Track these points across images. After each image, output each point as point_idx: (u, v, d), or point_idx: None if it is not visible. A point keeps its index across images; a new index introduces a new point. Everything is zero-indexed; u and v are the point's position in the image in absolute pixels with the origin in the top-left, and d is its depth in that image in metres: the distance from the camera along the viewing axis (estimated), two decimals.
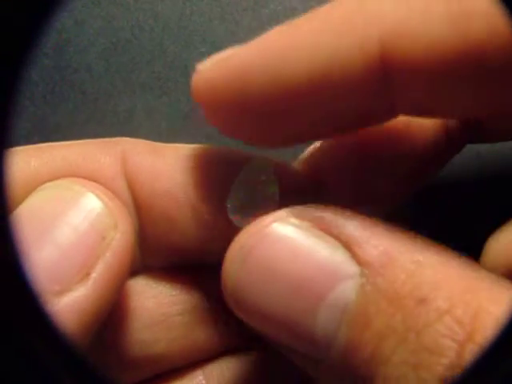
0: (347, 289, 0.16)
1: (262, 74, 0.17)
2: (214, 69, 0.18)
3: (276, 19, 0.30)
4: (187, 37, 0.30)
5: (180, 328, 0.21)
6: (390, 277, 0.16)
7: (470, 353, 0.14)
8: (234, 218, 0.19)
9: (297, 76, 0.17)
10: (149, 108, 0.29)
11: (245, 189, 0.19)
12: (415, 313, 0.15)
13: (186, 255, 0.21)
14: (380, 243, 0.16)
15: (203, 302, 0.21)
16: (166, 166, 0.20)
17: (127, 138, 0.21)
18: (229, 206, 0.19)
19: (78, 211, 0.18)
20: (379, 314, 0.15)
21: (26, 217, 0.18)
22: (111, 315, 0.20)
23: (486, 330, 0.14)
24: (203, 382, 0.21)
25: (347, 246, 0.16)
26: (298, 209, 0.17)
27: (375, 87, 0.17)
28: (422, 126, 0.21)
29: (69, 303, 0.17)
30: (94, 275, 0.18)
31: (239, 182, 0.19)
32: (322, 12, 0.17)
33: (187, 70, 0.29)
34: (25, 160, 0.20)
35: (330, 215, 0.17)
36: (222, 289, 0.18)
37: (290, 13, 0.30)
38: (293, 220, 0.17)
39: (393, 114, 0.18)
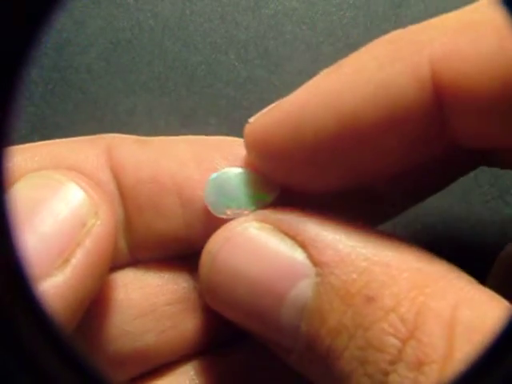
0: (305, 287, 0.17)
1: (316, 117, 0.18)
2: (267, 117, 0.19)
3: (276, 19, 0.30)
4: (187, 37, 0.30)
5: (168, 318, 0.21)
6: (342, 276, 0.17)
7: (412, 349, 0.15)
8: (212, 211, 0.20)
9: (351, 114, 0.17)
10: (149, 108, 0.29)
11: (219, 183, 0.20)
12: (364, 310, 0.16)
13: (173, 244, 0.21)
14: (334, 243, 0.17)
15: (191, 291, 0.21)
16: (151, 153, 0.20)
17: (112, 134, 0.21)
18: (206, 200, 0.20)
19: (58, 199, 0.19)
20: (333, 312, 0.16)
21: (11, 202, 0.18)
22: (98, 308, 0.20)
23: (428, 326, 0.15)
24: (194, 377, 0.21)
25: (304, 246, 0.17)
26: (260, 213, 0.19)
27: (429, 114, 0.17)
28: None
29: (48, 288, 0.17)
30: (73, 261, 0.18)
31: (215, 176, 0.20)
32: (368, 48, 0.18)
33: (187, 70, 0.29)
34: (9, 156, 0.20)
35: (289, 217, 0.18)
36: (199, 286, 0.19)
37: (290, 13, 0.30)
38: (255, 223, 0.18)
39: (445, 145, 0.18)
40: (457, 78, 0.16)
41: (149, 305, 0.21)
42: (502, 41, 0.16)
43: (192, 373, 0.21)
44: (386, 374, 0.15)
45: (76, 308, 0.18)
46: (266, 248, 0.18)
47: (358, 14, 0.30)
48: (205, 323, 0.21)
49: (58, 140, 0.21)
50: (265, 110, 0.19)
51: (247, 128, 0.19)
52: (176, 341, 0.21)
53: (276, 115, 0.18)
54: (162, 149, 0.21)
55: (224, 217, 0.20)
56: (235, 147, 0.20)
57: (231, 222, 0.19)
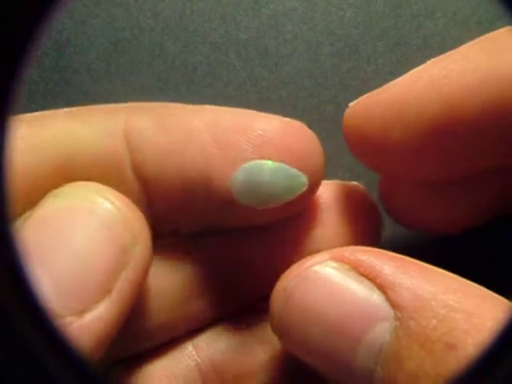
0: (382, 331, 0.17)
1: (421, 102, 0.17)
2: (370, 99, 0.18)
3: (276, 19, 0.30)
4: (187, 37, 0.30)
5: (173, 299, 0.21)
6: (422, 321, 0.16)
7: None
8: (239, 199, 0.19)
9: (457, 101, 0.17)
10: None
11: (249, 172, 0.19)
12: (445, 358, 0.16)
13: (194, 223, 0.21)
14: (413, 287, 0.17)
15: (196, 271, 0.21)
16: (171, 141, 0.19)
17: (130, 105, 0.21)
18: (233, 188, 0.19)
19: (98, 224, 0.18)
20: (411, 357, 0.16)
21: (42, 226, 0.17)
22: None
23: None
24: (193, 352, 0.22)
25: (382, 288, 0.17)
26: (337, 251, 0.18)
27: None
28: None
29: (91, 323, 0.17)
30: (115, 291, 0.17)
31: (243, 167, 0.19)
32: (479, 39, 0.18)
33: (187, 70, 0.29)
34: (26, 137, 0.19)
35: (367, 258, 0.18)
36: (270, 322, 0.19)
37: (290, 13, 0.30)
38: (331, 263, 0.18)
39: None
40: None
41: (159, 288, 0.21)
42: None
43: (191, 348, 0.22)
44: None
45: (113, 334, 0.18)
46: (343, 288, 0.18)
47: (358, 14, 0.30)
48: (208, 303, 0.22)
49: (67, 111, 0.20)
50: (365, 96, 0.19)
51: (348, 113, 0.19)
52: (179, 320, 0.21)
53: (379, 97, 0.18)
54: (181, 134, 0.19)
55: (250, 206, 0.19)
56: (259, 125, 0.19)
57: (306, 260, 0.19)
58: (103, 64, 0.30)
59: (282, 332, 0.19)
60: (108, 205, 0.18)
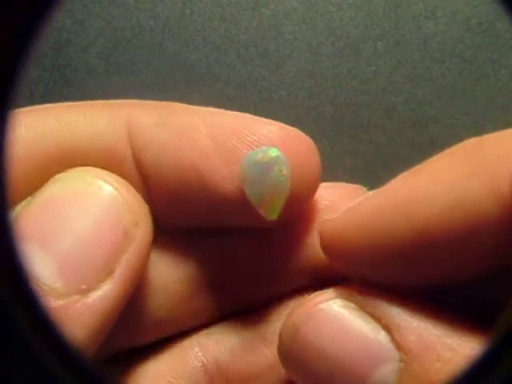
0: (387, 371, 0.17)
1: (394, 220, 0.18)
2: (344, 217, 0.19)
3: (276, 19, 0.30)
4: (187, 37, 0.30)
5: (177, 296, 0.21)
6: (426, 364, 0.16)
7: None
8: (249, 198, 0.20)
9: (427, 221, 0.17)
10: None
11: (254, 169, 0.19)
12: None
13: (192, 221, 0.21)
14: (418, 329, 0.17)
15: (200, 267, 0.21)
16: (172, 139, 0.20)
17: (132, 101, 0.21)
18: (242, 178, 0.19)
19: (100, 206, 0.18)
20: None
21: (45, 208, 0.18)
22: None
23: None
24: (199, 353, 0.22)
25: (388, 329, 0.17)
26: (345, 290, 0.19)
27: (507, 231, 0.17)
28: None
29: (95, 301, 0.17)
30: (117, 273, 0.18)
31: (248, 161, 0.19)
32: (445, 156, 0.18)
33: (187, 70, 0.29)
34: (30, 125, 0.19)
35: (374, 298, 0.18)
36: (278, 354, 0.19)
37: (290, 13, 0.30)
38: (339, 301, 0.18)
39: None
40: None
41: (162, 283, 0.21)
42: None
43: (197, 349, 0.22)
44: None
45: (118, 313, 0.18)
46: (350, 327, 0.18)
47: (358, 14, 0.30)
48: (212, 300, 0.22)
49: (72, 104, 0.20)
50: (340, 214, 0.19)
51: (321, 227, 0.19)
52: (184, 317, 0.21)
53: (353, 219, 0.19)
54: (181, 133, 0.20)
55: (256, 205, 0.19)
56: (258, 130, 0.20)
57: (315, 297, 0.19)
58: (103, 63, 0.30)
59: (288, 366, 0.19)
60: (109, 187, 0.18)
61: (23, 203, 0.18)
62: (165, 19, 0.30)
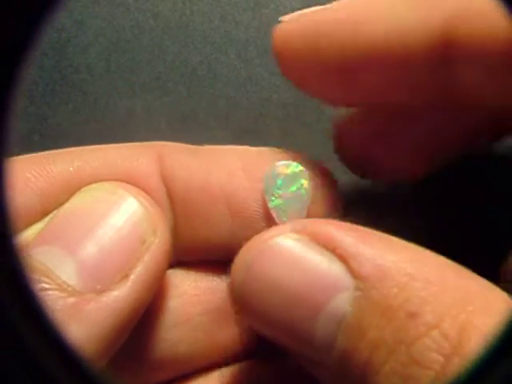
0: (343, 300, 0.17)
1: (340, 32, 0.19)
2: (296, 22, 0.20)
3: (276, 19, 0.30)
4: (187, 37, 0.30)
5: (202, 329, 0.21)
6: (383, 290, 0.16)
7: (455, 365, 0.15)
8: (274, 215, 0.20)
9: (367, 38, 0.19)
10: (149, 108, 0.29)
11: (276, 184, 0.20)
12: (406, 326, 0.16)
13: (218, 250, 0.21)
14: (374, 257, 0.17)
15: (225, 301, 0.21)
16: (202, 163, 0.21)
17: (163, 142, 0.22)
18: (269, 204, 0.20)
19: (120, 214, 0.19)
20: (372, 326, 0.16)
21: (69, 216, 0.19)
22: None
23: (472, 343, 0.15)
24: None
25: (343, 259, 0.17)
26: (297, 223, 0.19)
27: (435, 62, 0.18)
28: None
29: (108, 301, 0.18)
30: (132, 277, 0.19)
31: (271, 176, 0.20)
32: None
33: (187, 70, 0.29)
34: (67, 160, 0.20)
35: (328, 229, 0.18)
36: (229, 295, 0.19)
37: (290, 13, 0.30)
38: (292, 234, 0.18)
39: (446, 98, 0.19)
40: (469, 34, 0.17)
41: (184, 314, 0.21)
42: None
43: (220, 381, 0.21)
44: None
45: (131, 320, 0.19)
46: (303, 259, 0.18)
47: None
48: (236, 335, 0.22)
49: (109, 146, 0.22)
50: (298, 13, 0.21)
51: (276, 29, 0.21)
52: (206, 350, 0.21)
53: (305, 21, 0.20)
54: (211, 158, 0.21)
55: (276, 218, 0.20)
56: (280, 156, 0.21)
57: (267, 231, 0.19)
58: (103, 64, 0.30)
59: (242, 304, 0.19)
60: (129, 196, 0.20)
61: (55, 211, 0.20)
62: (165, 19, 0.30)
